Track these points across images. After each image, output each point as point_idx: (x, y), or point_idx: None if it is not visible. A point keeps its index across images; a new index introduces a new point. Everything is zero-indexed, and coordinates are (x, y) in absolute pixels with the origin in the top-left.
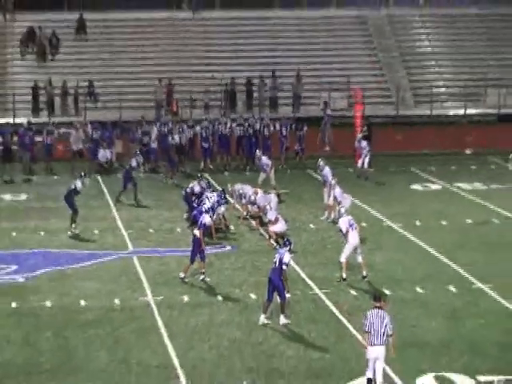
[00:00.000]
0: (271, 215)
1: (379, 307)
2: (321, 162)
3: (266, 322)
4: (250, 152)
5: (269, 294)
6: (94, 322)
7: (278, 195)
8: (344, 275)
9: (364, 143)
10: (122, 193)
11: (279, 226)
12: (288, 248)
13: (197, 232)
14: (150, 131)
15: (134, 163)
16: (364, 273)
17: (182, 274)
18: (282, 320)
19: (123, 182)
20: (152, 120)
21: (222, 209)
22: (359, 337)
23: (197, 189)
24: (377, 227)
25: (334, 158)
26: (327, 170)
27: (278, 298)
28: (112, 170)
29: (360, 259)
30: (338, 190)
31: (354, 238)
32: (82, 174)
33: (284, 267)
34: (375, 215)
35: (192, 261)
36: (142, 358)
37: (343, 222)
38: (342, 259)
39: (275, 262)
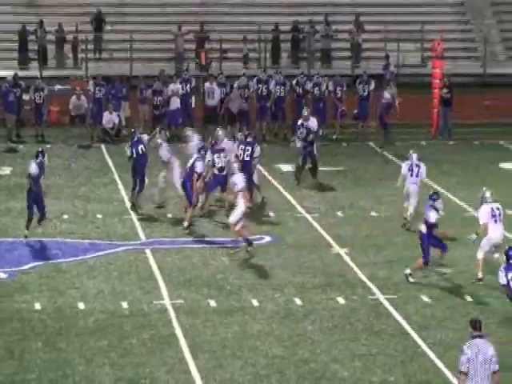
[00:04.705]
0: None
1: (480, 336)
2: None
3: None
4: (297, 118)
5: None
6: (95, 330)
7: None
8: (480, 275)
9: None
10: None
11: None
12: None
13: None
14: (165, 89)
15: (158, 141)
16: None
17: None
18: None
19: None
20: (171, 75)
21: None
22: (432, 357)
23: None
24: (457, 217)
25: (399, 126)
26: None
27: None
28: (120, 137)
29: (496, 256)
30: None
31: (494, 232)
32: (40, 150)
33: None
34: (455, 201)
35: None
36: (156, 377)
37: (484, 211)
38: (479, 256)
39: None
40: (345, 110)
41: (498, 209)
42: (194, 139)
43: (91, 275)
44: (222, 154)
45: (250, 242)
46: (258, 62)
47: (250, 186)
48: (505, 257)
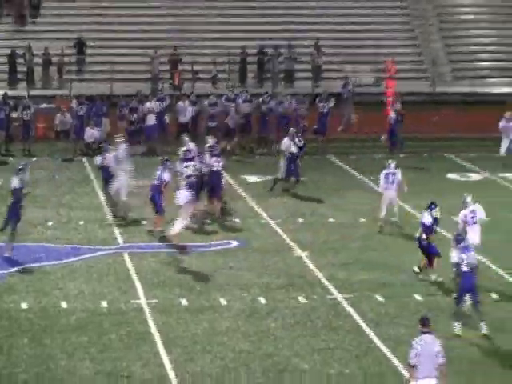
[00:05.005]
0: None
1: (429, 332)
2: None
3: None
4: (262, 133)
5: None
6: (77, 327)
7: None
8: None
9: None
10: None
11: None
12: None
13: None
14: (140, 107)
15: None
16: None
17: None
18: None
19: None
20: (147, 95)
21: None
22: (385, 351)
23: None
24: (408, 223)
25: (359, 141)
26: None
27: None
28: (100, 151)
29: None
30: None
31: (469, 234)
32: (21, 166)
33: None
34: (405, 209)
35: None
36: (133, 371)
37: (461, 216)
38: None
39: None
40: (306, 126)
41: (472, 212)
42: (121, 146)
43: (73, 277)
44: (191, 163)
45: (183, 247)
46: (226, 82)
47: (220, 192)
48: (455, 241)
